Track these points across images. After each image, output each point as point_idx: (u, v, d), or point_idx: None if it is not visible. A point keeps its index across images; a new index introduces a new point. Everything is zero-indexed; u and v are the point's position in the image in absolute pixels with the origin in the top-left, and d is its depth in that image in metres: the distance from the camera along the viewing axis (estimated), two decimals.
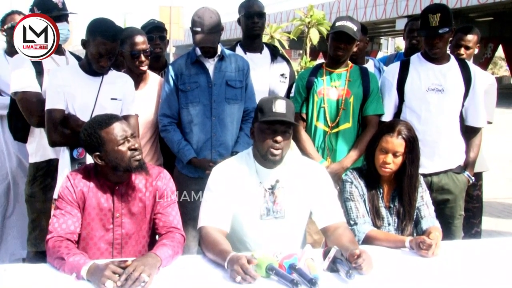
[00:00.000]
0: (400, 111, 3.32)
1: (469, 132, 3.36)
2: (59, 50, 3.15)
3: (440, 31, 3.08)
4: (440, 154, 3.23)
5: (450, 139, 3.26)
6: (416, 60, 3.31)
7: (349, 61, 3.39)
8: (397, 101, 3.32)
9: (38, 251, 3.15)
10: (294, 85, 3.52)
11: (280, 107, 2.35)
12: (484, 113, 3.36)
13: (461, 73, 3.25)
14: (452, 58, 3.30)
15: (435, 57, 3.22)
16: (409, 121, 3.01)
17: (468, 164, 3.35)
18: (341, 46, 3.23)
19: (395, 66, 3.38)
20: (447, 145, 3.25)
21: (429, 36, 3.14)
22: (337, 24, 3.21)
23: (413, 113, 3.25)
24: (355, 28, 3.20)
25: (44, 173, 3.16)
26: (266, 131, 2.37)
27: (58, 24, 2.93)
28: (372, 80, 3.36)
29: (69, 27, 3.16)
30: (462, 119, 3.34)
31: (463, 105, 3.29)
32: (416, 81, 3.25)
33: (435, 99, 3.20)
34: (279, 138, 2.36)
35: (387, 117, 3.32)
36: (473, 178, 3.38)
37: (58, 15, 3.02)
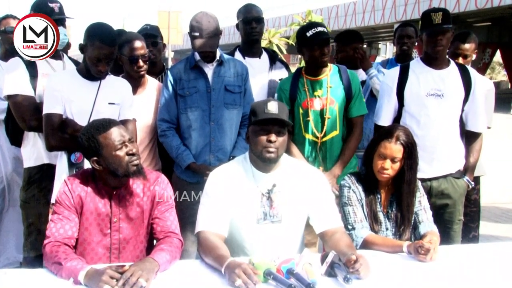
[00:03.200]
0: (400, 115, 3.32)
1: (469, 137, 3.36)
2: (56, 54, 3.15)
3: (444, 26, 3.08)
4: (439, 159, 3.23)
5: (449, 144, 3.26)
6: (416, 64, 3.31)
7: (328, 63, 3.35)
8: (396, 106, 3.31)
9: (35, 256, 3.14)
10: (276, 96, 3.46)
11: (272, 107, 2.37)
12: (484, 119, 3.36)
13: (461, 78, 3.24)
14: (452, 63, 3.30)
15: (436, 57, 3.19)
16: (408, 126, 3.01)
17: (467, 169, 3.35)
18: (325, 51, 3.21)
19: (395, 71, 3.37)
20: (446, 150, 3.24)
21: (433, 33, 3.13)
22: (309, 34, 3.16)
23: (412, 118, 3.24)
24: (324, 29, 3.21)
25: (39, 178, 3.14)
26: (260, 132, 2.38)
27: None
28: (352, 80, 3.33)
29: (66, 31, 3.16)
30: (462, 123, 3.34)
31: (463, 110, 3.29)
32: (415, 86, 3.24)
33: (434, 104, 3.20)
34: (273, 138, 2.36)
35: (386, 122, 3.31)
36: (472, 183, 3.37)
37: (54, 19, 3.02)
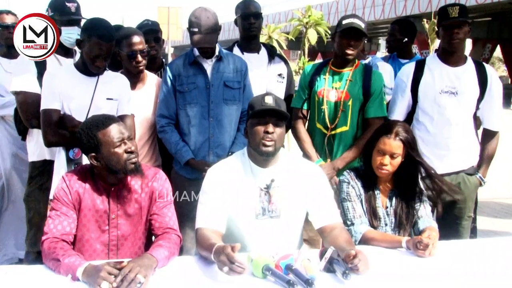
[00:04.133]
0: (414, 111, 3.30)
1: (485, 135, 3.35)
2: (68, 52, 3.17)
3: (461, 19, 3.06)
4: (452, 156, 3.20)
5: (462, 141, 3.23)
6: (432, 61, 3.28)
7: (356, 59, 3.33)
8: (410, 102, 3.29)
9: (37, 251, 3.15)
10: (299, 79, 3.48)
11: (269, 100, 2.39)
12: (499, 117, 3.33)
13: (476, 76, 3.21)
14: (469, 60, 3.26)
15: (453, 51, 3.16)
16: (421, 123, 2.98)
17: (481, 166, 3.33)
18: (351, 44, 3.17)
19: (410, 67, 3.35)
20: (459, 147, 3.21)
21: (449, 26, 3.10)
22: (345, 22, 3.16)
23: (425, 115, 3.22)
24: (362, 25, 3.17)
25: (40, 172, 3.16)
26: (257, 124, 2.39)
27: (67, 28, 2.99)
28: (374, 81, 3.28)
29: (79, 31, 3.16)
30: (478, 120, 3.32)
31: (478, 108, 3.25)
32: (429, 83, 3.21)
33: (448, 102, 3.17)
34: (270, 128, 2.36)
35: (399, 117, 3.28)
36: (485, 180, 3.34)
37: (68, 19, 3.04)
